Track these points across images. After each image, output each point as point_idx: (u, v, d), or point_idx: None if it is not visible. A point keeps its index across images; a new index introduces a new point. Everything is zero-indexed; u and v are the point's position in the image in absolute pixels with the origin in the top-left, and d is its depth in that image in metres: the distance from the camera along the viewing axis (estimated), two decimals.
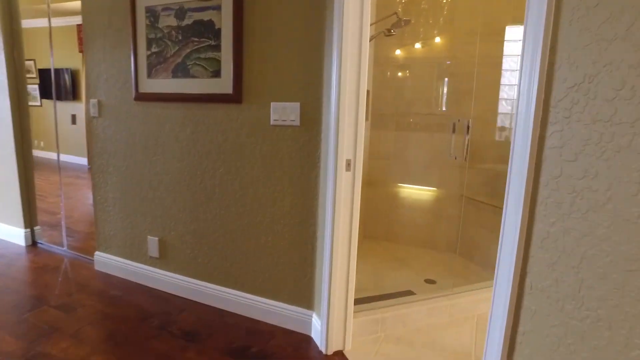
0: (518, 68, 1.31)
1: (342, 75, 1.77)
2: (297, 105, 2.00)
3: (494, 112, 3.45)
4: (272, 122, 2.07)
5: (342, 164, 1.85)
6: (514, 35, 3.30)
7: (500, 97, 3.43)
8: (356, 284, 2.07)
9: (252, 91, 2.11)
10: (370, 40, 2.36)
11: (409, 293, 2.65)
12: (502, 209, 1.39)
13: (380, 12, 3.18)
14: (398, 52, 3.58)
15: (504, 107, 3.43)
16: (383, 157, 3.70)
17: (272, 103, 2.06)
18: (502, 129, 3.45)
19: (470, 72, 3.41)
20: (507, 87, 3.39)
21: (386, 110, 3.65)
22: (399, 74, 3.64)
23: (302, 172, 2.05)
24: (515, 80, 3.34)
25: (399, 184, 3.71)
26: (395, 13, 2.90)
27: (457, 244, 3.50)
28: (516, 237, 1.32)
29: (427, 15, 3.44)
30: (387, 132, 3.65)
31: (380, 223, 3.74)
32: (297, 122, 2.01)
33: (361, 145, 1.87)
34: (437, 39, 3.46)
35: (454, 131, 3.04)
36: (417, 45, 3.53)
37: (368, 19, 1.79)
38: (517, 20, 3.32)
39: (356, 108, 1.83)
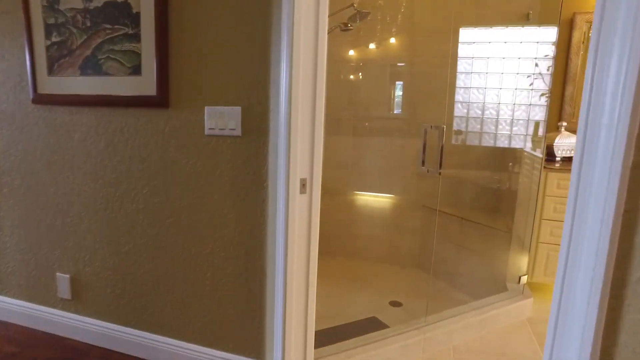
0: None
1: (294, 72, 1.40)
2: (237, 110, 1.60)
3: (450, 114, 3.23)
4: (207, 132, 1.66)
5: (295, 185, 1.48)
6: (468, 37, 3.10)
7: (455, 99, 3.22)
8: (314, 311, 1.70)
9: (181, 92, 1.68)
10: None
11: (374, 320, 2.33)
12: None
13: (335, 4, 2.85)
14: (352, 52, 3.27)
15: (459, 110, 3.22)
16: (340, 166, 3.38)
17: (206, 107, 1.65)
18: (459, 132, 3.24)
19: (427, 73, 3.17)
20: (462, 89, 3.19)
21: (342, 114, 3.33)
22: (351, 76, 3.33)
23: (247, 194, 1.66)
24: (471, 83, 3.14)
25: (357, 192, 3.40)
26: (353, 5, 2.58)
27: (421, 259, 3.24)
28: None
29: (384, 11, 3.15)
30: (344, 137, 3.33)
31: (337, 237, 3.41)
32: (239, 132, 1.61)
33: (319, 161, 1.52)
34: (393, 40, 3.19)
35: (424, 139, 2.77)
36: (372, 46, 3.24)
37: (326, 5, 1.44)
38: (470, 21, 3.11)
39: (312, 115, 1.47)
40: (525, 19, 3.03)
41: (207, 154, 1.69)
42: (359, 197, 3.39)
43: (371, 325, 2.26)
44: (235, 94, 1.60)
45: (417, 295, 2.73)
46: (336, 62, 3.23)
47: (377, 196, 3.37)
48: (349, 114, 3.31)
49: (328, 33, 1.45)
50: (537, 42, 2.98)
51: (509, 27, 3.02)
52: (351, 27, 2.58)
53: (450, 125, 3.21)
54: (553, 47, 2.94)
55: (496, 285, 2.62)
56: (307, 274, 1.59)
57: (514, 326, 2.32)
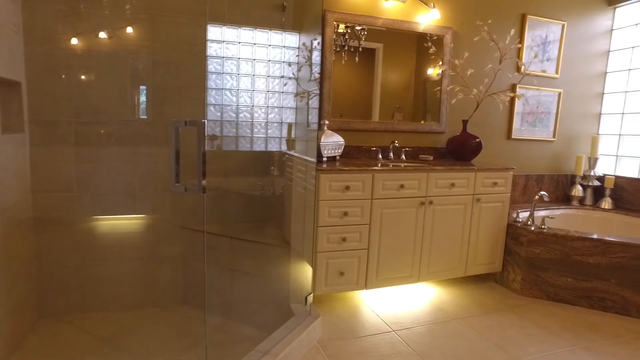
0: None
1: None
2: None
3: (203, 117, 2.74)
4: None
5: None
6: (217, 35, 2.68)
7: (208, 102, 2.76)
8: None
9: None
10: None
11: None
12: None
13: None
14: (75, 41, 2.32)
15: (212, 113, 2.77)
16: (60, 188, 2.36)
17: None
18: (213, 137, 2.79)
19: (176, 64, 2.56)
20: (214, 91, 2.75)
21: (58, 116, 2.33)
22: (81, 71, 2.38)
23: None
24: (224, 84, 2.74)
25: (95, 217, 2.47)
26: None
27: (188, 294, 2.60)
28: None
29: None
30: (60, 148, 2.34)
31: (67, 287, 2.40)
32: None
33: None
34: (130, 29, 2.42)
35: (175, 143, 2.11)
36: (103, 35, 2.38)
37: None
38: (219, 17, 2.69)
39: None
40: (280, 10, 2.80)
41: None
42: (96, 224, 2.47)
43: None
44: None
45: (189, 345, 2.09)
46: (42, 44, 2.22)
47: (123, 218, 2.53)
48: (67, 116, 2.34)
49: None
50: (284, 47, 2.81)
51: (262, 29, 2.74)
52: None
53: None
54: (317, 43, 2.82)
55: (281, 310, 2.26)
56: None
57: (307, 358, 1.99)
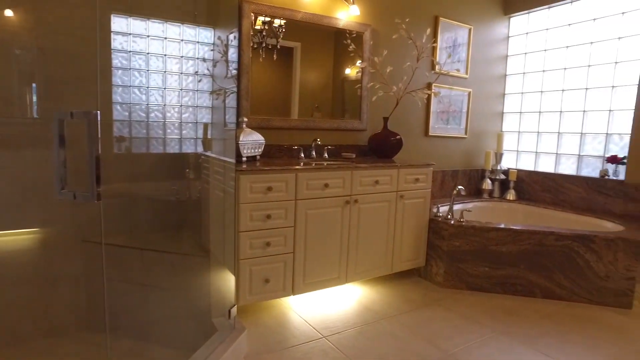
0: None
1: None
2: None
3: (109, 117, 2.44)
4: None
5: None
6: (122, 26, 2.40)
7: (113, 100, 2.46)
8: None
9: None
10: None
11: None
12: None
13: None
14: None
15: (120, 112, 2.48)
16: None
17: None
18: (121, 138, 2.50)
19: (69, 61, 2.23)
20: (120, 89, 2.46)
21: None
22: None
23: None
24: (131, 81, 2.47)
25: None
26: None
27: (91, 317, 2.26)
28: None
29: None
30: None
31: None
32: None
33: None
34: (10, 12, 2.03)
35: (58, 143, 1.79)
36: None
37: None
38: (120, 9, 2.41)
39: None
40: (192, 1, 2.57)
41: None
42: None
43: None
44: None
45: None
46: None
47: (9, 234, 2.12)
48: None
49: None
50: (198, 42, 2.60)
51: (173, 23, 2.50)
52: None
53: (109, 128, 2.39)
54: (233, 37, 2.62)
55: (202, 327, 2.04)
56: None
57: None
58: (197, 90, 2.62)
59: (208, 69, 2.63)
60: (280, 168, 2.30)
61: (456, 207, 3.36)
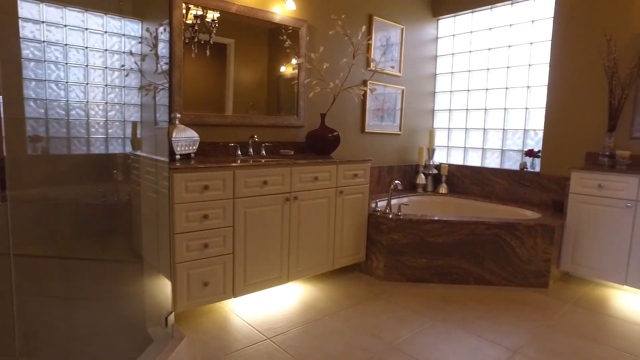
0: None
1: None
2: None
3: (20, 113, 2.19)
4: None
5: None
6: (33, 12, 2.17)
7: (26, 96, 2.22)
8: None
9: None
10: None
11: None
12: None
13: None
14: None
15: (33, 109, 2.25)
16: None
17: None
18: (37, 138, 2.27)
19: None
20: (33, 82, 2.22)
21: None
22: None
23: None
24: (47, 75, 2.24)
25: None
26: None
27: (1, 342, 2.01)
28: None
29: None
30: None
31: None
32: None
33: None
34: None
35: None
36: None
37: None
38: None
39: None
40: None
41: None
42: None
43: None
44: None
45: None
46: None
47: None
48: None
49: None
50: (124, 35, 2.41)
51: (95, 12, 2.30)
52: None
53: (20, 125, 2.15)
54: (163, 29, 2.45)
55: (136, 338, 1.89)
56: None
57: None
58: (124, 87, 2.44)
59: (136, 63, 2.45)
60: (217, 166, 2.20)
61: (393, 201, 3.45)
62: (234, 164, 2.28)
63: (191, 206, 2.13)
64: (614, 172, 2.79)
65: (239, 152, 2.77)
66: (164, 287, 2.08)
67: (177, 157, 2.31)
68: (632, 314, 2.51)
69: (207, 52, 2.68)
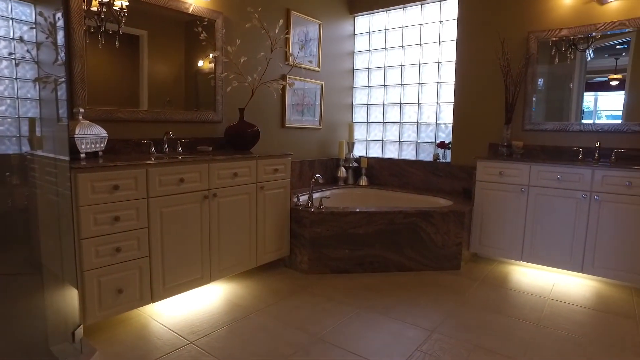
0: None
1: None
2: None
3: None
4: None
5: None
6: None
7: None
8: None
9: None
10: None
11: None
12: None
13: None
14: None
15: None
16: None
17: None
18: None
19: None
20: None
21: None
22: None
23: None
24: None
25: None
26: None
27: None
28: None
29: None
30: None
31: None
32: None
33: None
34: None
35: None
36: None
37: None
38: None
39: None
40: None
41: None
42: None
43: None
44: None
45: None
46: None
47: None
48: None
49: None
50: (12, 19, 2.14)
51: None
52: None
53: None
54: (61, 15, 2.19)
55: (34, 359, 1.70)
56: None
57: None
58: (16, 79, 2.17)
59: (29, 52, 2.19)
60: (127, 164, 2.05)
61: (315, 195, 3.49)
62: (147, 162, 2.15)
63: (99, 208, 1.96)
64: (510, 160, 3.08)
65: (153, 150, 2.61)
66: (70, 299, 1.90)
67: (83, 155, 2.11)
68: (527, 286, 2.80)
69: (117, 43, 2.48)
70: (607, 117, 3.16)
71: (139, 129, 2.65)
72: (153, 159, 2.27)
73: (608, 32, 3.04)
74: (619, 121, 3.05)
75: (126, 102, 2.60)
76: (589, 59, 3.17)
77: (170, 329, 2.14)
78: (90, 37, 2.36)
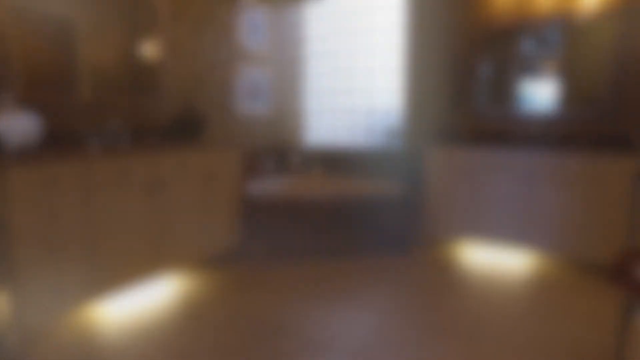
0: None
1: None
2: None
3: None
4: None
5: None
6: None
7: None
8: None
9: None
10: None
11: None
12: None
13: None
14: None
15: None
16: None
17: None
18: None
19: None
20: None
21: None
22: None
23: None
24: None
25: None
26: None
27: None
28: None
29: None
30: None
31: None
32: None
33: None
34: None
35: None
36: None
37: None
38: None
39: None
40: None
41: None
42: None
43: None
44: None
45: None
46: None
47: None
48: None
49: None
50: None
51: None
52: None
53: None
54: None
55: None
56: None
57: None
58: None
59: None
60: (65, 157, 1.90)
61: (266, 183, 3.43)
62: (87, 154, 2.00)
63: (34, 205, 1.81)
64: (457, 145, 3.20)
65: (94, 139, 2.44)
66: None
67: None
68: (475, 265, 2.96)
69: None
70: (541, 103, 3.36)
71: (79, 117, 2.47)
72: (93, 149, 2.13)
73: (543, 23, 3.21)
74: (553, 107, 3.26)
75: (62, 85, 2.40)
76: (527, 47, 3.33)
77: (118, 331, 2.04)
78: None
